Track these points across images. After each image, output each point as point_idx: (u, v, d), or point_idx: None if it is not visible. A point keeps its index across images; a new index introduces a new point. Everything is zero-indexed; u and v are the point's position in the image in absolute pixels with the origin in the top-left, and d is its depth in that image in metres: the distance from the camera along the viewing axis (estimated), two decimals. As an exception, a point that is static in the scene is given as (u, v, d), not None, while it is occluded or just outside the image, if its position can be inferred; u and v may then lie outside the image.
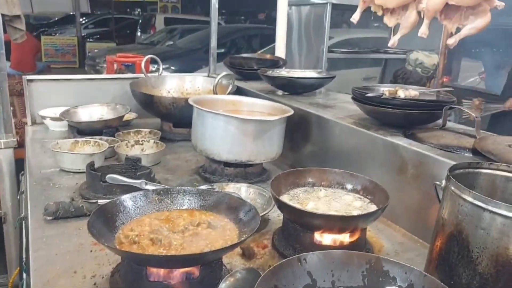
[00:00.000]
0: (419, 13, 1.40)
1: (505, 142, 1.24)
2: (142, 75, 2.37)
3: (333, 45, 5.39)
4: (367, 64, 5.04)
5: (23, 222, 1.63)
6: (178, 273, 0.93)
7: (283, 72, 2.21)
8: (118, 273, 1.00)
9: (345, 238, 1.13)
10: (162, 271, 0.92)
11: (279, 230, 1.26)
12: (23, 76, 2.30)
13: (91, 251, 1.12)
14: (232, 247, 0.94)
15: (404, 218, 1.34)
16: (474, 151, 1.23)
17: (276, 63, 2.56)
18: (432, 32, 4.01)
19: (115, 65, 4.49)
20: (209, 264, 0.97)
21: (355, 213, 1.17)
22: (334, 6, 3.56)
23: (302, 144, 1.83)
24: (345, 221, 1.09)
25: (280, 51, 2.80)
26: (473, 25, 1.31)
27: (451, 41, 1.31)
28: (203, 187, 1.40)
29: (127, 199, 1.07)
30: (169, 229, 1.03)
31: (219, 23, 12.88)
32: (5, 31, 2.39)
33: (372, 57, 4.06)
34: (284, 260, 0.93)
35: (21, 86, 2.77)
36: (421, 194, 1.27)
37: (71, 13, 11.89)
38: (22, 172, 2.05)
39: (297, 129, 1.83)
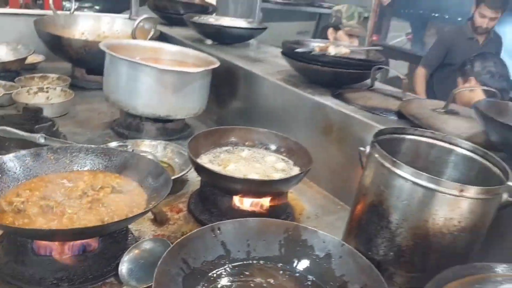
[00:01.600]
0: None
1: (429, 106, 1.22)
2: (50, 12, 2.07)
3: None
4: (302, 18, 4.94)
5: None
6: (72, 245, 0.81)
7: (211, 19, 2.04)
8: (1, 245, 0.85)
9: (266, 202, 1.07)
10: (52, 244, 0.80)
11: (196, 193, 1.16)
12: None
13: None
14: (134, 218, 0.82)
15: (327, 180, 1.30)
16: (399, 114, 1.20)
17: (205, 9, 2.36)
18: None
19: (21, -1, 3.96)
20: (111, 234, 0.85)
21: (277, 176, 1.10)
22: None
23: (229, 100, 1.72)
24: (265, 186, 1.02)
25: (210, -4, 2.60)
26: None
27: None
28: (113, 143, 1.26)
29: (11, 159, 0.91)
30: (64, 194, 0.89)
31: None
32: None
33: (306, 10, 3.95)
34: (194, 231, 0.84)
35: None
36: (345, 157, 1.23)
37: None
38: None
39: (224, 83, 1.71)
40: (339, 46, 1.40)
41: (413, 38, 6.83)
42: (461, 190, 0.71)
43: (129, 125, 1.51)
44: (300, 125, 1.36)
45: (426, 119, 1.13)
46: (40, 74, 1.81)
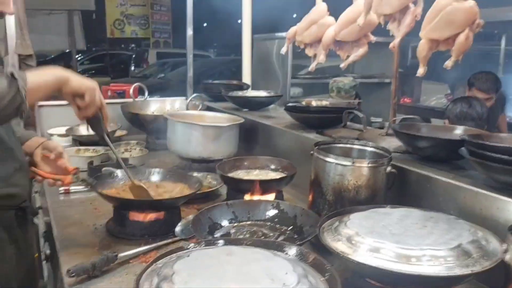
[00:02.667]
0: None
1: (378, 133, 1.80)
2: (131, 100, 2.93)
3: (308, 73, 6.02)
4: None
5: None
6: (150, 216, 1.46)
7: (240, 93, 2.78)
8: (111, 220, 1.53)
9: (268, 198, 1.66)
10: (139, 214, 1.45)
11: (225, 199, 1.79)
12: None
13: (95, 208, 1.65)
14: (185, 197, 1.47)
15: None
16: (357, 139, 1.78)
17: (241, 87, 3.13)
18: (385, 60, 4.52)
19: (109, 93, 5.13)
20: (170, 211, 1.50)
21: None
22: (295, 39, 4.19)
23: (253, 145, 2.38)
24: (265, 184, 1.62)
25: (246, 77, 3.38)
26: (356, 53, 1.89)
27: (342, 65, 1.89)
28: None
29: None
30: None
31: (209, 56, 13.34)
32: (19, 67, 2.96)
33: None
34: (217, 203, 1.47)
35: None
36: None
37: (67, 50, 12.55)
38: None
39: (249, 135, 2.39)
40: (321, 100, 2.05)
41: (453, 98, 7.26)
42: (353, 162, 1.29)
43: (184, 166, 2.20)
44: (295, 153, 1.97)
45: (372, 139, 1.71)
46: (125, 141, 2.61)
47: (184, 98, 3.30)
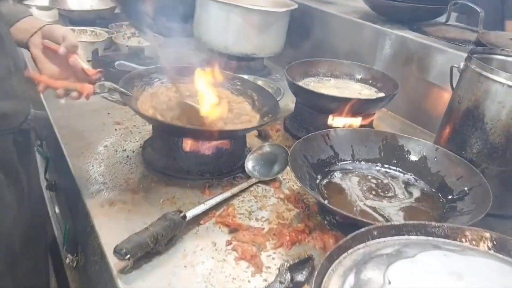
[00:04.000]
0: None
1: (507, 36, 1.31)
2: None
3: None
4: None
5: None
6: (212, 146, 0.99)
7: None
8: (150, 147, 1.05)
9: (356, 122, 1.21)
10: (198, 143, 0.97)
11: (290, 116, 1.32)
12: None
13: (117, 123, 1.16)
14: (262, 125, 1.00)
15: (404, 108, 1.43)
16: (477, 44, 1.29)
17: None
18: None
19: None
20: (237, 140, 1.03)
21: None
22: None
23: (302, 41, 1.83)
24: (358, 104, 1.15)
25: None
26: None
27: None
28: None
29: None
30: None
31: None
32: None
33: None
34: (310, 134, 1.01)
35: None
36: (424, 85, 1.35)
37: None
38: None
39: (297, 25, 1.82)
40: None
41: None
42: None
43: (219, 64, 1.67)
44: (378, 59, 1.47)
45: (505, 46, 1.22)
46: (127, 22, 1.99)
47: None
